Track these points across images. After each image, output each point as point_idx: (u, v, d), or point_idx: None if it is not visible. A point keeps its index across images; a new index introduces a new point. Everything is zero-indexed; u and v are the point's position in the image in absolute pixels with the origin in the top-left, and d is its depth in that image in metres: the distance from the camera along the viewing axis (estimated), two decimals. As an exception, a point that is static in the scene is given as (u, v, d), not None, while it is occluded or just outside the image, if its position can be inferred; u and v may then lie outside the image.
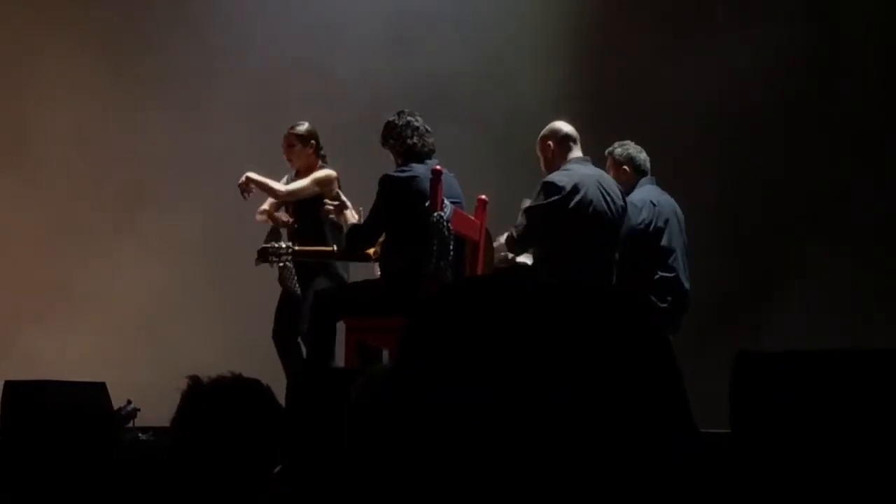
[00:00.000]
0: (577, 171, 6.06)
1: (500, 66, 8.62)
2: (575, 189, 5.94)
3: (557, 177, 6.02)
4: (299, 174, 7.10)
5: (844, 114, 8.04)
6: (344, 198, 6.56)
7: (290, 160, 7.12)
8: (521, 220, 6.07)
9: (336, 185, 6.89)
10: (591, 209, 5.95)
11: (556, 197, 5.93)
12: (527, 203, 6.12)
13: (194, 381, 2.67)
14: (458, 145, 7.33)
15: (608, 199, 6.05)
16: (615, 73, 8.43)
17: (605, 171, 6.36)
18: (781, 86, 8.10)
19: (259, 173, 7.00)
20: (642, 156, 6.54)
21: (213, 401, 2.64)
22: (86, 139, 8.79)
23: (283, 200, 7.07)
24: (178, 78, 8.73)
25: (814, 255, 7.90)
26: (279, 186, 7.01)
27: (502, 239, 6.20)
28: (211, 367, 2.79)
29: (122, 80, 8.75)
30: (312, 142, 7.06)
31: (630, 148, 6.55)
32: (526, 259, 6.27)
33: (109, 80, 8.74)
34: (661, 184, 6.59)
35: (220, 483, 2.59)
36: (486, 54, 8.62)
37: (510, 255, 6.25)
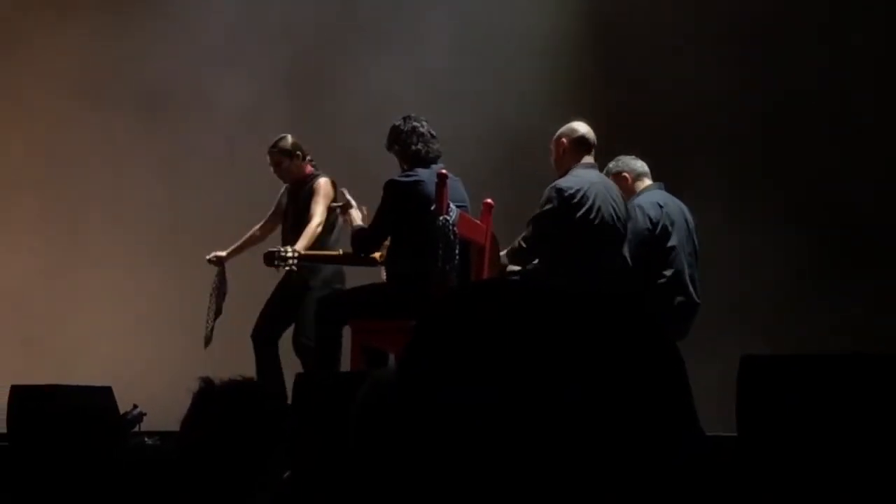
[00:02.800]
0: (585, 176, 6.02)
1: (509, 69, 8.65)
2: (583, 196, 5.90)
3: (565, 183, 5.98)
4: (293, 187, 7.11)
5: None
6: (349, 196, 6.44)
7: (281, 178, 7.15)
8: (528, 229, 6.02)
9: (333, 187, 6.94)
10: (597, 216, 5.92)
11: (563, 203, 5.90)
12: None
13: (206, 382, 2.67)
14: (465, 147, 7.36)
15: (614, 206, 6.02)
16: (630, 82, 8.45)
17: None
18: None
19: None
20: (638, 163, 6.54)
21: (224, 403, 2.65)
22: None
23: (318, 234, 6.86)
24: (148, 70, 8.77)
25: (827, 257, 7.91)
26: (311, 233, 6.73)
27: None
28: (209, 369, 2.80)
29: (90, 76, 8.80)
30: (298, 153, 7.08)
31: (623, 158, 6.54)
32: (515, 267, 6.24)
33: (77, 79, 8.78)
34: (669, 188, 6.59)
35: (224, 484, 2.60)
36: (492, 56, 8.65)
37: (508, 267, 6.20)
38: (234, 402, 2.64)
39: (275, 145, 7.10)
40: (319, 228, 6.87)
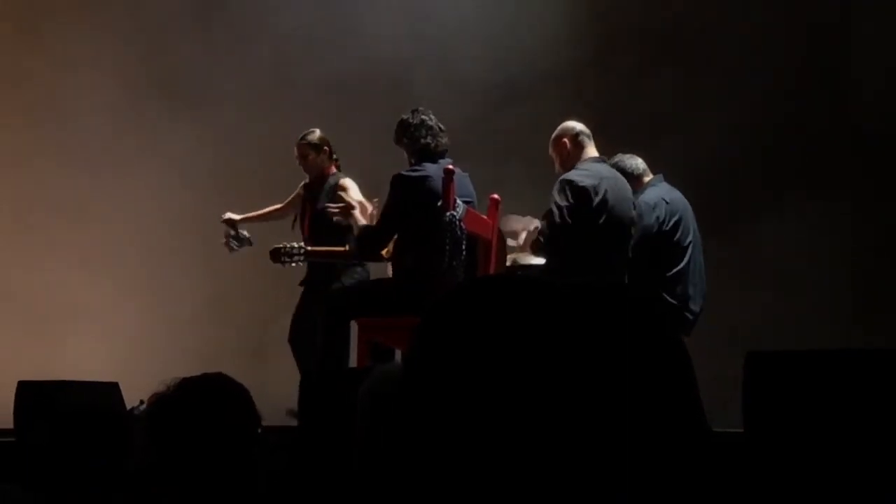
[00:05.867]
0: (597, 170, 6.01)
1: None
2: (595, 190, 5.90)
3: (578, 176, 5.96)
4: (313, 182, 7.16)
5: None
6: (349, 198, 6.36)
7: (305, 170, 7.23)
8: (544, 224, 6.01)
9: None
10: (609, 210, 5.91)
11: (575, 197, 5.88)
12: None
13: (177, 383, 2.60)
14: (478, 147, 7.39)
15: (625, 201, 6.01)
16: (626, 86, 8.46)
17: None
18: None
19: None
20: (634, 161, 6.52)
21: (192, 401, 2.57)
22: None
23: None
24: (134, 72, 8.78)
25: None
26: (358, 212, 6.29)
27: (513, 243, 6.17)
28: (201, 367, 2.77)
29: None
30: (325, 148, 7.18)
31: (622, 159, 6.49)
32: (538, 259, 6.24)
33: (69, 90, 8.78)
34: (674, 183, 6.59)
35: (209, 482, 2.53)
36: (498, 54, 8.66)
37: (520, 262, 6.19)
38: (205, 399, 2.57)
39: (303, 137, 7.19)
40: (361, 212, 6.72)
